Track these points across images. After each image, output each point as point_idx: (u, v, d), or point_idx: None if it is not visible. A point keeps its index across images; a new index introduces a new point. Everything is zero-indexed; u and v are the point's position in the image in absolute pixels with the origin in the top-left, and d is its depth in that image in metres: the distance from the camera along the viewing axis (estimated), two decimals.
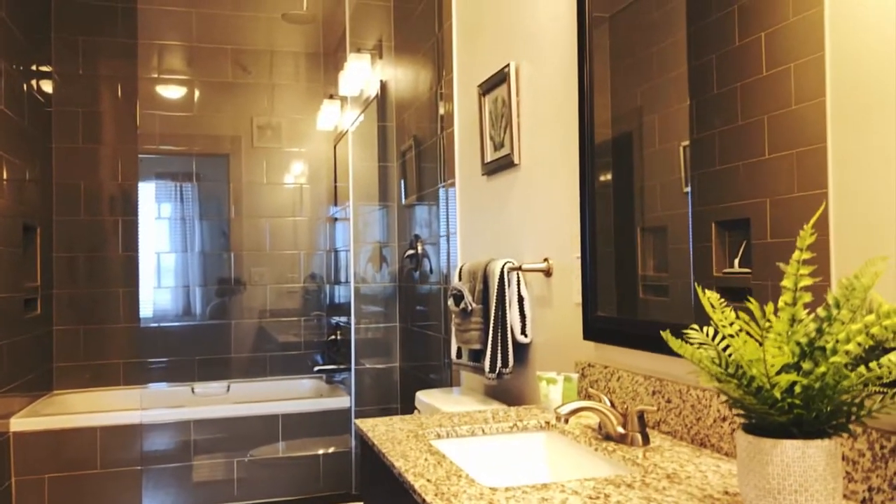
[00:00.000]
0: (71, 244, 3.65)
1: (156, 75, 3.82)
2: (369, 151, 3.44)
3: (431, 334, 2.91)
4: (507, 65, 2.07)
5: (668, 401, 1.37)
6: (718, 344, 0.95)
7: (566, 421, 1.32)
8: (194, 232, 3.85)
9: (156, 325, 3.74)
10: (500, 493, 1.06)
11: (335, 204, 4.07)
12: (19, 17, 3.11)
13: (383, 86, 3.49)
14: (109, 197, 3.72)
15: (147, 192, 3.79)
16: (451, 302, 2.15)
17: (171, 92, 3.85)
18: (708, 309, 0.95)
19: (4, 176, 2.86)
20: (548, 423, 1.51)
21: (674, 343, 0.94)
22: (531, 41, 1.98)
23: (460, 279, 2.19)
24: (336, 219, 4.04)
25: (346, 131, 3.76)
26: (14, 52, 3.03)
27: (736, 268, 1.26)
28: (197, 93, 3.87)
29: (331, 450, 3.22)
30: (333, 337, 3.77)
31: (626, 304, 1.51)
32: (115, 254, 3.71)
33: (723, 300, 1.00)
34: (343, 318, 3.70)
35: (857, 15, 0.97)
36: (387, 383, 3.34)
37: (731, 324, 0.98)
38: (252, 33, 3.97)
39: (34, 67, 3.35)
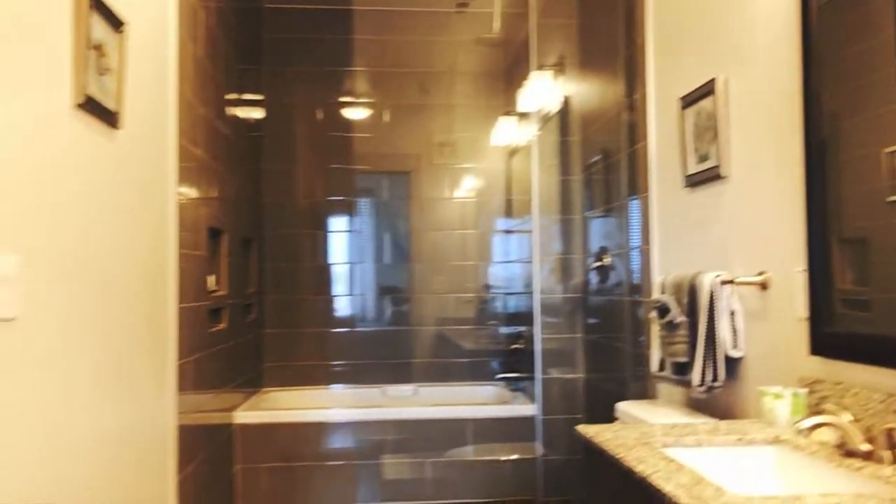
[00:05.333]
0: (277, 256, 4.03)
1: (349, 99, 4.13)
2: (549, 165, 3.52)
3: (620, 346, 2.93)
4: (713, 79, 2.08)
5: None
6: None
7: (807, 435, 1.32)
8: (378, 243, 4.12)
9: (346, 329, 4.04)
10: (756, 502, 1.09)
11: (509, 216, 4.19)
12: (237, 53, 3.51)
13: (566, 101, 3.56)
14: (308, 213, 4.07)
15: (341, 207, 4.10)
16: (654, 314, 2.18)
17: (360, 115, 4.16)
18: None
19: (230, 195, 3.24)
20: (776, 437, 1.51)
21: None
22: (739, 51, 1.97)
23: (663, 292, 2.21)
24: (510, 231, 4.16)
25: (520, 146, 3.87)
26: (233, 84, 3.42)
27: None
28: (384, 115, 4.15)
29: (515, 456, 3.32)
30: (515, 346, 3.88)
31: (854, 318, 1.47)
32: (311, 264, 4.05)
33: None
34: (522, 327, 3.80)
35: None
36: (572, 393, 3.39)
37: None
38: (435, 56, 4.19)
39: (248, 97, 3.75)
